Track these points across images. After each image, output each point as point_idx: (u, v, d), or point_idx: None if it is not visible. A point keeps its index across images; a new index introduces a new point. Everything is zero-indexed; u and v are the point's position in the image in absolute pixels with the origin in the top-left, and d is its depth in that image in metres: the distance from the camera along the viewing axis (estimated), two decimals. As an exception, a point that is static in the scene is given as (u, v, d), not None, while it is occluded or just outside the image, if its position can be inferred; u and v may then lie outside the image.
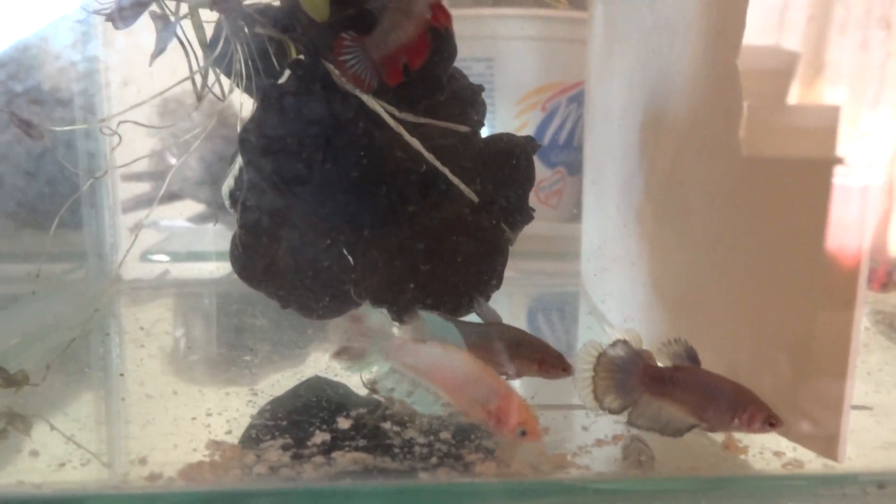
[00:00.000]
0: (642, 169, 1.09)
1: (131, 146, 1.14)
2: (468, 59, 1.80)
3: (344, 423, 0.80)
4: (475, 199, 0.97)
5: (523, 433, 0.70)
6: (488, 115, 1.81)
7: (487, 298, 0.98)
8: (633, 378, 0.76)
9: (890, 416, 0.87)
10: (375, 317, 0.79)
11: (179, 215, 1.62)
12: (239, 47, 0.86)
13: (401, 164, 0.94)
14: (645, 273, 1.07)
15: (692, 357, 0.78)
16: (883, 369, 1.01)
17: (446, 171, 0.96)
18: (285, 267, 0.96)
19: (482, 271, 0.96)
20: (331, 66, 0.86)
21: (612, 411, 0.77)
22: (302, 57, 0.87)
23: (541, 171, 1.80)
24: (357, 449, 0.74)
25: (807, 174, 0.74)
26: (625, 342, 0.77)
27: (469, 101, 1.07)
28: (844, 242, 0.70)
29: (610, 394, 0.77)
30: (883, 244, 1.31)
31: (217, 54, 0.89)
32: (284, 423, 0.81)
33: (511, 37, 1.81)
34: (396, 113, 0.94)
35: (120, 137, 0.90)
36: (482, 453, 0.74)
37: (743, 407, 0.72)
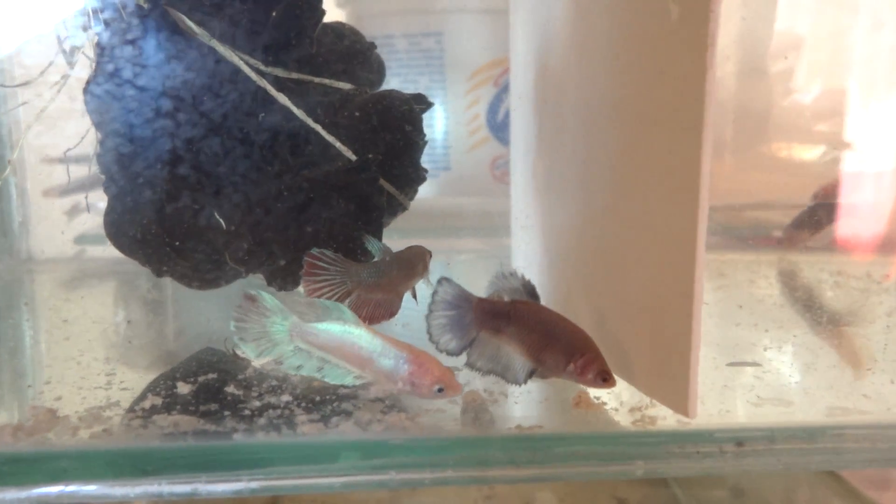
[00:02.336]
0: (534, 129, 1.04)
1: (63, 128, 1.11)
2: (416, 33, 1.75)
3: (183, 388, 0.76)
4: (351, 156, 0.92)
5: (440, 390, 0.68)
6: (438, 92, 1.77)
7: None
8: (467, 315, 0.72)
9: (775, 374, 0.82)
10: (269, 299, 0.76)
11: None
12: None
13: (264, 121, 0.89)
14: (539, 237, 1.03)
15: (530, 292, 0.73)
16: (784, 327, 0.96)
17: (318, 126, 0.91)
18: (153, 231, 0.92)
19: (353, 232, 0.91)
20: (176, 12, 0.82)
21: (450, 352, 0.73)
22: (143, 3, 0.83)
23: (495, 148, 1.75)
24: (185, 412, 0.70)
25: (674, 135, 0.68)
26: (448, 280, 0.73)
27: (357, 60, 1.03)
28: (682, 195, 0.65)
29: (446, 333, 0.72)
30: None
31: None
32: (127, 390, 0.77)
33: (461, 9, 1.76)
34: (261, 66, 0.90)
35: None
36: (317, 414, 0.70)
37: (580, 352, 0.68)
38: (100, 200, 1.62)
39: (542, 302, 1.02)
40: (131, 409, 0.71)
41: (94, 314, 1.05)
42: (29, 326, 1.00)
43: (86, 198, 1.46)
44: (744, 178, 1.61)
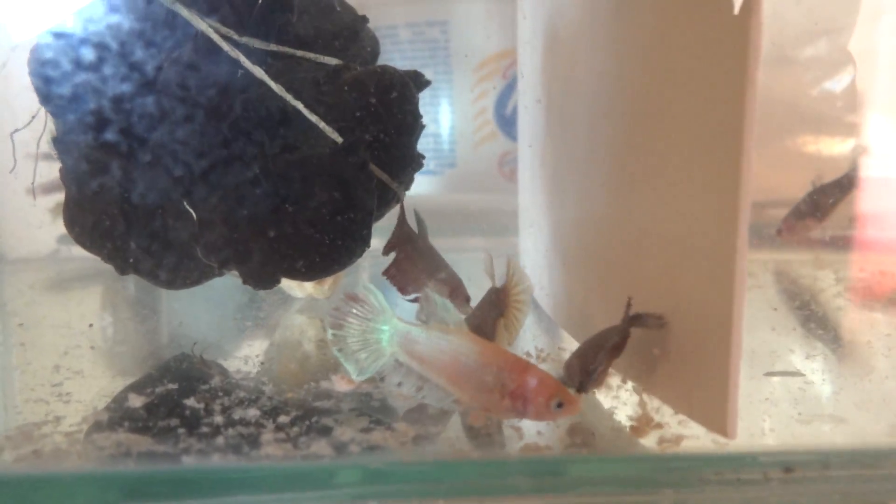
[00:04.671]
0: (542, 123, 0.94)
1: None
2: (421, 22, 1.66)
3: (136, 401, 0.65)
4: (337, 138, 0.82)
5: (560, 405, 0.56)
6: (443, 84, 1.67)
7: (351, 256, 0.83)
8: None
9: (820, 385, 0.71)
10: (375, 296, 0.65)
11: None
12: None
13: (239, 97, 0.79)
14: (547, 234, 0.92)
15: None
16: (826, 332, 0.85)
17: (299, 104, 0.81)
18: (113, 223, 0.82)
19: (340, 223, 0.81)
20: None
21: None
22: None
23: (504, 143, 1.65)
24: (134, 430, 0.60)
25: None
26: None
27: (346, 33, 0.93)
28: (719, 193, 0.55)
29: None
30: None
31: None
32: (76, 402, 0.67)
33: (468, -3, 1.66)
34: (234, 36, 0.80)
35: None
36: (286, 433, 0.59)
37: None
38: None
39: (552, 304, 0.91)
40: (77, 426, 0.61)
41: (55, 318, 0.95)
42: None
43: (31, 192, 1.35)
44: (768, 174, 1.50)
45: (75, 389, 0.69)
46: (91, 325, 0.91)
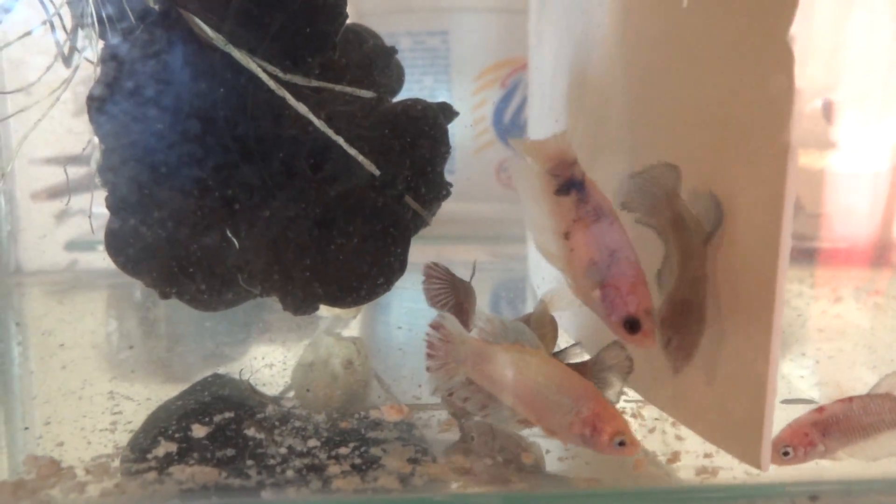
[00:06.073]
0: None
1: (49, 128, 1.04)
2: (422, 32, 1.69)
3: (199, 431, 0.69)
4: (375, 171, 0.86)
5: (622, 443, 0.59)
6: (443, 92, 1.70)
7: (388, 284, 0.87)
8: None
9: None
10: (450, 321, 0.67)
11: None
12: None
13: (284, 133, 0.83)
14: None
15: None
16: (833, 358, 0.91)
17: (340, 139, 0.84)
18: (159, 251, 0.85)
19: (380, 253, 0.84)
20: (190, 16, 0.74)
21: None
22: (154, 5, 0.75)
23: (501, 151, 1.69)
24: (204, 462, 0.63)
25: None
26: None
27: (377, 65, 0.97)
28: (759, 218, 0.58)
29: None
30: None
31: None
32: (136, 432, 0.70)
33: (468, 8, 1.69)
34: (280, 74, 0.83)
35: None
36: (350, 464, 0.63)
37: None
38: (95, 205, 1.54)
39: (575, 323, 0.96)
40: (143, 458, 0.64)
41: (92, 337, 0.97)
42: (21, 353, 0.92)
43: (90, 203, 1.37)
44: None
45: (134, 418, 0.73)
46: (132, 347, 0.94)
